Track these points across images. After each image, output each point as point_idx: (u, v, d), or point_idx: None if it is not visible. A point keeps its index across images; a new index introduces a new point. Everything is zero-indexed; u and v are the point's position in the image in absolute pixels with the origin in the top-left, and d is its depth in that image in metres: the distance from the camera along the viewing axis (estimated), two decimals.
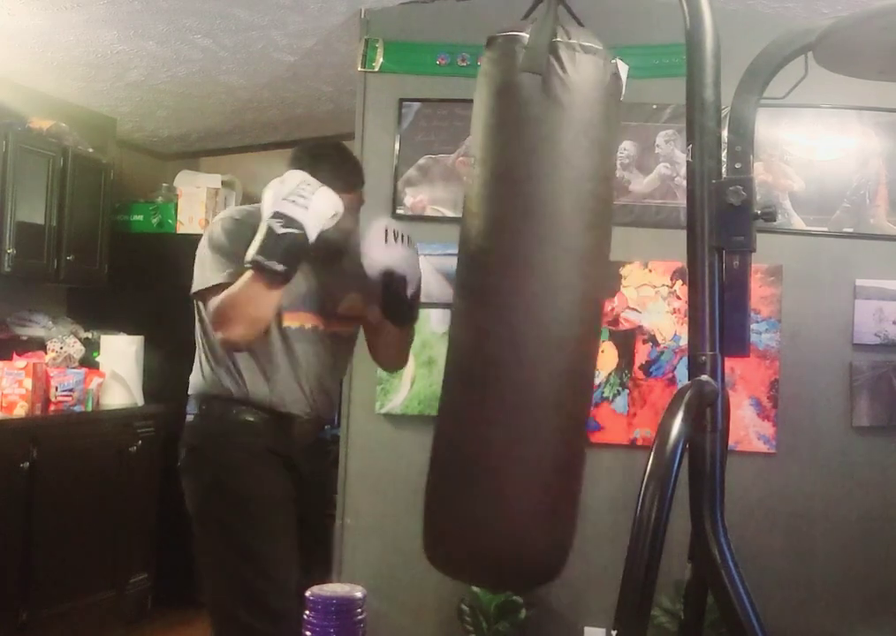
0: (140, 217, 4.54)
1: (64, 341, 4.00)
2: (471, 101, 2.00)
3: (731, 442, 1.88)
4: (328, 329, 2.26)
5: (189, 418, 2.27)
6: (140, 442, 4.02)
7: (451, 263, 2.06)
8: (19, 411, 3.57)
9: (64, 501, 3.62)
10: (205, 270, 2.17)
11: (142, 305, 4.30)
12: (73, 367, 3.93)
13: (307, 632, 1.31)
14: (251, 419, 2.20)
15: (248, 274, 2.01)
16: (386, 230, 2.17)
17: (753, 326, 3.09)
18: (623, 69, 1.95)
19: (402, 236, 2.18)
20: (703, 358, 1.63)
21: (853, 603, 3.14)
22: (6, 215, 3.76)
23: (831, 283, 3.19)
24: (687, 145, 1.69)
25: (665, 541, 1.43)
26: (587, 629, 3.21)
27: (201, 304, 2.20)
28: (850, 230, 3.19)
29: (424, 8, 3.36)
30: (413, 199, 3.33)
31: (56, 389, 3.75)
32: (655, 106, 3.23)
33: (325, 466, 2.43)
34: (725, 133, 1.72)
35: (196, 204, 4.48)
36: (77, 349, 4.03)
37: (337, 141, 2.41)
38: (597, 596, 3.16)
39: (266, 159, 5.01)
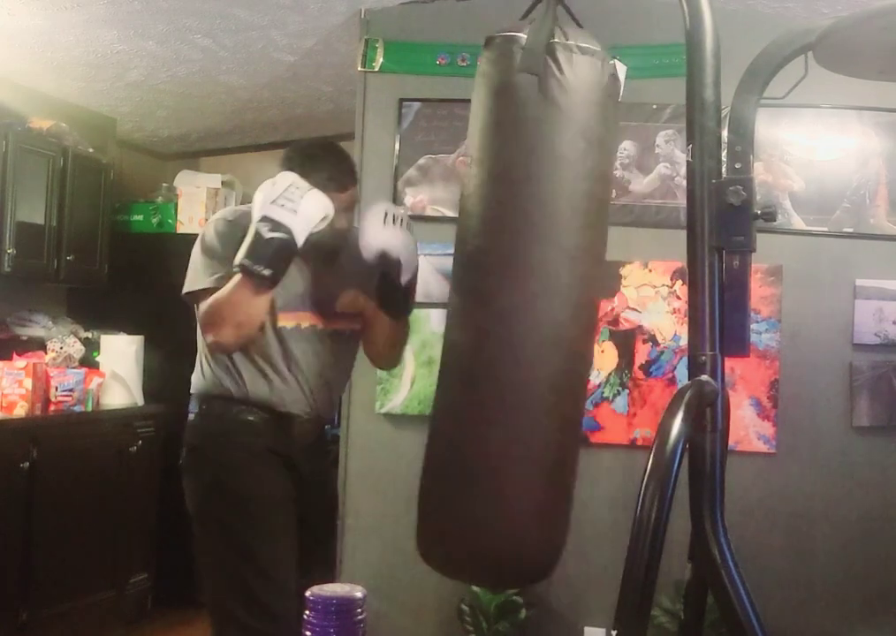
0: (140, 217, 4.54)
1: (64, 341, 4.00)
2: (471, 101, 2.00)
3: (731, 442, 1.88)
4: (327, 328, 2.25)
5: (190, 417, 2.27)
6: (140, 442, 4.02)
7: (452, 263, 2.06)
8: (19, 411, 3.57)
9: (64, 501, 3.61)
10: (195, 273, 2.18)
11: (142, 305, 4.29)
12: (73, 367, 3.93)
13: (307, 632, 1.31)
14: (251, 418, 2.20)
15: (237, 278, 2.01)
16: (386, 213, 2.16)
17: (753, 326, 3.10)
18: (621, 70, 1.95)
19: (401, 220, 2.17)
20: (703, 358, 1.63)
21: (853, 603, 3.14)
22: (6, 215, 3.76)
23: (831, 283, 3.19)
24: (687, 145, 1.69)
25: (665, 541, 1.43)
26: (587, 629, 3.22)
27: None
28: (850, 230, 3.19)
29: (424, 8, 3.36)
30: (413, 199, 3.33)
31: (57, 389, 3.75)
32: (655, 106, 3.23)
33: (326, 466, 2.43)
34: (725, 133, 1.72)
35: (196, 204, 4.48)
36: (77, 349, 4.03)
37: (329, 141, 2.38)
38: (597, 596, 3.16)
39: (266, 159, 5.00)
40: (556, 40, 1.84)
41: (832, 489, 3.16)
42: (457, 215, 2.04)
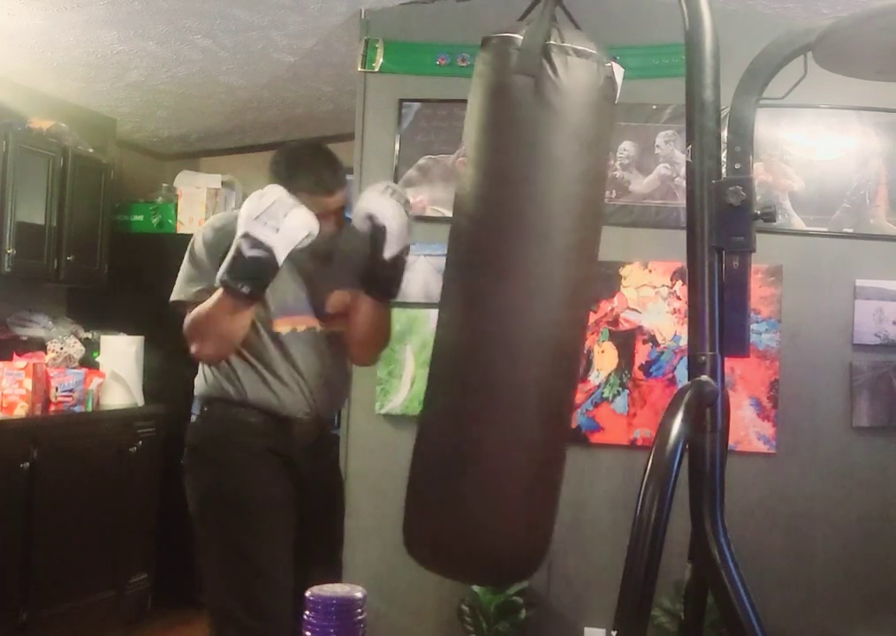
0: (140, 217, 4.54)
1: (64, 341, 4.00)
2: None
3: (731, 442, 1.88)
4: (325, 329, 2.26)
5: (192, 419, 2.28)
6: (140, 442, 4.02)
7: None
8: (19, 411, 3.57)
9: (64, 501, 3.61)
10: (180, 283, 2.20)
11: (142, 305, 4.29)
12: (73, 368, 3.93)
13: (307, 632, 1.31)
14: (251, 420, 2.20)
15: (219, 292, 2.03)
16: (387, 186, 2.17)
17: (753, 326, 3.10)
18: (619, 72, 1.95)
19: (399, 195, 2.17)
20: (703, 358, 1.63)
21: (853, 603, 3.14)
22: (6, 215, 3.76)
23: (831, 284, 3.19)
24: (687, 145, 1.69)
25: (665, 541, 1.43)
26: (587, 629, 3.21)
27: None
28: (850, 230, 3.19)
29: (424, 8, 3.36)
30: (413, 199, 3.33)
31: (57, 389, 3.75)
32: (655, 106, 3.23)
33: (328, 466, 2.42)
34: (724, 133, 1.72)
35: (196, 204, 4.48)
36: (77, 349, 4.03)
37: (317, 143, 2.37)
38: (597, 596, 3.16)
39: (266, 159, 4.97)
40: (552, 42, 1.84)
41: (832, 490, 3.16)
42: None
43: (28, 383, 3.58)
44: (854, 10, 1.57)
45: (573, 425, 3.16)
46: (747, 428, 3.16)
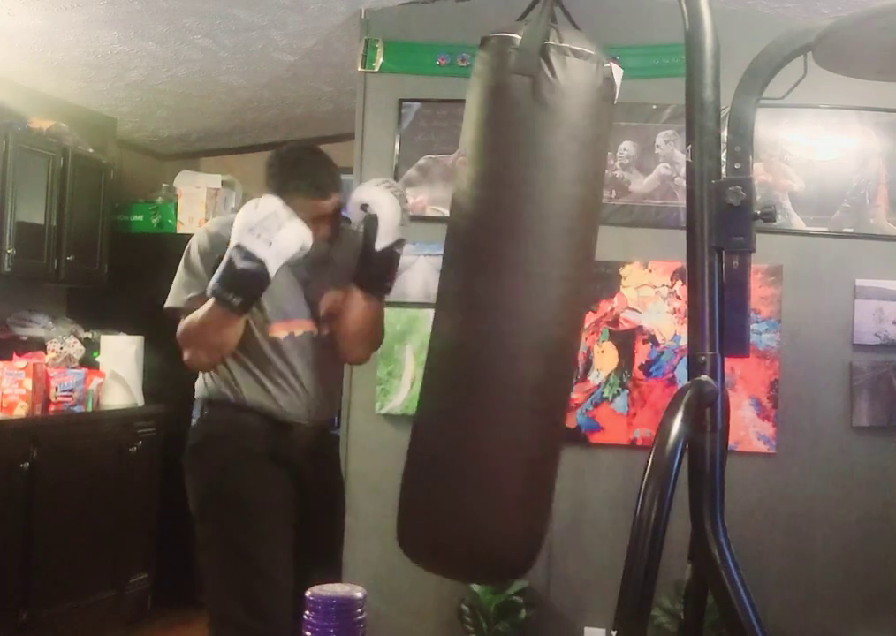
0: (140, 217, 4.54)
1: (64, 341, 4.00)
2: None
3: (731, 442, 1.88)
4: (322, 332, 2.25)
5: (193, 421, 2.29)
6: (140, 442, 4.02)
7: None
8: (19, 411, 3.57)
9: (64, 501, 3.61)
10: (174, 288, 2.20)
11: (142, 305, 4.25)
12: (73, 368, 3.93)
13: (307, 632, 1.31)
14: (251, 423, 2.20)
15: (211, 301, 2.03)
16: (385, 180, 2.18)
17: (753, 326, 3.10)
18: (617, 73, 1.95)
19: (395, 189, 2.17)
20: (703, 358, 1.63)
21: (853, 603, 3.14)
22: (6, 215, 3.76)
23: (831, 283, 3.19)
24: (687, 145, 1.69)
25: (665, 541, 1.43)
26: (587, 629, 3.21)
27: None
28: (850, 230, 3.19)
29: (424, 8, 3.36)
30: (413, 199, 3.33)
31: (57, 389, 3.74)
32: (655, 106, 3.23)
33: (328, 466, 2.41)
34: (724, 133, 1.72)
35: (196, 204, 4.47)
36: (77, 349, 4.03)
37: (311, 145, 2.36)
38: (597, 596, 3.16)
39: (266, 159, 5.00)
40: (550, 42, 1.84)
41: (832, 490, 3.16)
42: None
43: (28, 383, 3.58)
44: (854, 10, 1.57)
45: (573, 425, 3.16)
46: (747, 428, 3.15)
